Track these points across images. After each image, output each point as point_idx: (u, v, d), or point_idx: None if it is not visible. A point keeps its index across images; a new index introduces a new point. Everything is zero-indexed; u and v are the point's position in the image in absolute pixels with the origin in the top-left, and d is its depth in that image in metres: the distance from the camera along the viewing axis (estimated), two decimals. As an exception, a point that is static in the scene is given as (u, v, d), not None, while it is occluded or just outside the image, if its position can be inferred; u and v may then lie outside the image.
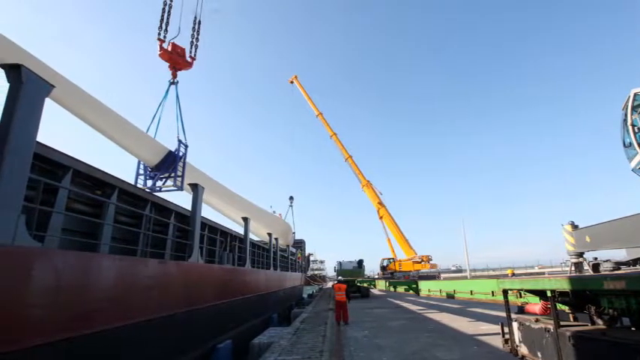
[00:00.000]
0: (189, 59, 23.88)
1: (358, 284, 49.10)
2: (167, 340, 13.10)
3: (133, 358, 11.08)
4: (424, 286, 49.96)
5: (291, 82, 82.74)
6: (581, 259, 17.72)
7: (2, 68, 7.96)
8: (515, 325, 11.33)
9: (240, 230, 26.66)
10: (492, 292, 32.03)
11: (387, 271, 65.13)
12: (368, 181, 68.42)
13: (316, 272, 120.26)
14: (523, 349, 10.88)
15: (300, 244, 68.20)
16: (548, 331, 9.24)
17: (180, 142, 22.31)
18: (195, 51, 24.30)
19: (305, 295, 59.96)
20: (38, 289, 7.69)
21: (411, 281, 55.82)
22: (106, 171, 11.82)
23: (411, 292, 53.64)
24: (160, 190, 21.27)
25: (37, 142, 8.53)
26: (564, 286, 8.60)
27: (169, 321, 13.17)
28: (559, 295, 9.19)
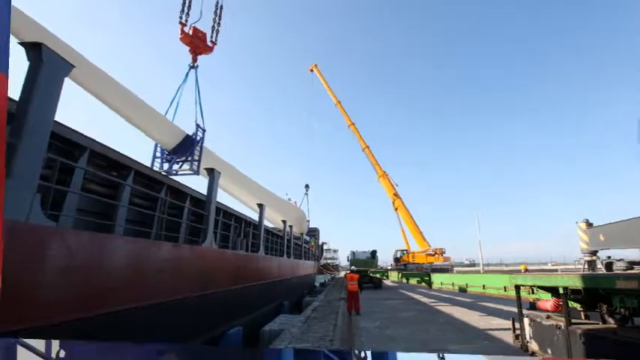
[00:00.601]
0: (209, 44, 23.91)
1: (371, 274, 49.01)
2: (178, 323, 13.17)
3: (145, 339, 11.16)
4: (437, 279, 49.81)
5: (311, 71, 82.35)
6: (594, 258, 17.60)
7: (23, 47, 7.99)
8: (526, 321, 11.28)
9: (255, 216, 26.70)
10: (505, 287, 31.92)
11: (400, 263, 65.18)
12: (384, 172, 68.31)
13: (329, 261, 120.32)
14: (533, 345, 10.83)
15: (314, 233, 68.36)
16: (560, 328, 9.20)
17: (198, 126, 22.39)
18: (217, 36, 24.32)
19: (317, 284, 60.11)
20: (52, 268, 7.75)
21: (424, 273, 55.69)
22: (122, 153, 11.87)
23: (423, 284, 53.51)
24: (176, 174, 21.38)
25: (55, 122, 8.56)
26: (577, 283, 8.56)
27: (181, 305, 13.23)
28: (571, 293, 9.14)
